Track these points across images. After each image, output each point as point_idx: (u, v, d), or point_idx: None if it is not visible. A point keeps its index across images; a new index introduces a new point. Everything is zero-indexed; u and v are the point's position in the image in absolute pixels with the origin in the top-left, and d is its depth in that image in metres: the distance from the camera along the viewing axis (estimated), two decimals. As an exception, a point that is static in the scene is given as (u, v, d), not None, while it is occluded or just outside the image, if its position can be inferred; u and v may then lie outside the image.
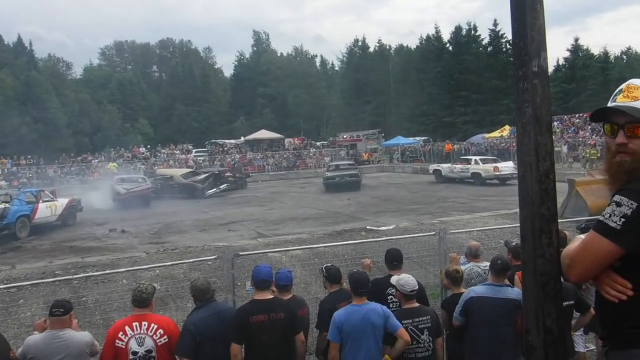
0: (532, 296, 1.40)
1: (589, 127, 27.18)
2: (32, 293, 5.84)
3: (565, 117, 33.42)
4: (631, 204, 1.31)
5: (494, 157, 22.64)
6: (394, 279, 3.52)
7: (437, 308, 4.18)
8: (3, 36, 53.30)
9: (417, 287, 3.43)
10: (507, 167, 19.49)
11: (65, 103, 48.50)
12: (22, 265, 8.60)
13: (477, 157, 21.83)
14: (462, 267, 4.14)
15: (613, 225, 1.32)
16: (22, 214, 12.77)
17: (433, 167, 24.02)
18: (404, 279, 3.43)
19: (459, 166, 21.57)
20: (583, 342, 4.28)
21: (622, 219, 1.31)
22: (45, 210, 13.69)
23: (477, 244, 4.55)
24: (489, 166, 20.08)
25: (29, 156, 32.68)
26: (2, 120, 42.26)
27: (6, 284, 6.22)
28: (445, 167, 22.61)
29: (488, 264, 4.23)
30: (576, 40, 45.90)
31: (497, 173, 19.51)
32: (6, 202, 12.89)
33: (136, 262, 7.75)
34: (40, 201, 13.63)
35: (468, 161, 21.62)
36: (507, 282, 3.51)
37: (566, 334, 3.16)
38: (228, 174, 24.74)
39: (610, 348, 1.39)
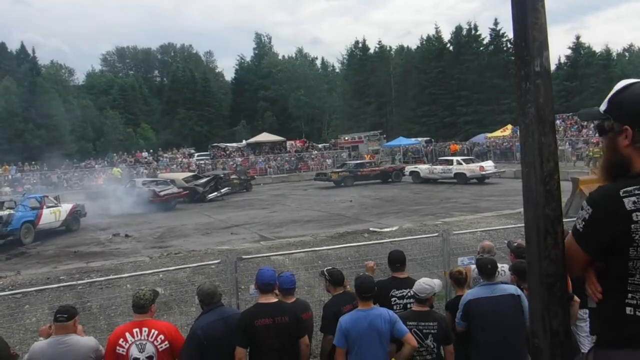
0: (537, 298, 1.39)
1: (592, 125, 27.16)
2: (37, 299, 5.85)
3: (570, 114, 33.30)
4: (588, 209, 1.34)
5: (472, 158, 24.74)
6: (421, 280, 3.52)
7: (442, 309, 4.17)
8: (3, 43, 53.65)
9: (422, 294, 3.38)
10: (490, 166, 21.76)
11: (68, 109, 48.79)
12: (27, 271, 8.63)
13: (459, 158, 23.10)
14: (472, 267, 4.13)
15: (579, 227, 1.37)
16: (26, 219, 12.82)
17: (410, 168, 24.55)
18: (421, 281, 3.44)
19: (439, 167, 22.52)
20: (589, 344, 4.25)
21: (582, 223, 1.35)
22: (50, 216, 13.74)
23: (491, 244, 4.54)
24: (474, 166, 21.58)
25: (32, 162, 32.82)
26: (6, 127, 42.59)
27: (12, 289, 6.24)
28: (423, 169, 23.48)
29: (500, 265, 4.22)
30: (578, 38, 45.94)
31: (484, 172, 21.03)
32: (10, 208, 12.97)
33: (140, 267, 7.77)
34: (44, 207, 13.68)
35: (449, 162, 22.50)
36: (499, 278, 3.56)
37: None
38: (233, 176, 24.88)
39: (595, 346, 1.41)
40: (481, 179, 21.06)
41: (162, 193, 18.61)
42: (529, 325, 1.44)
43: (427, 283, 3.42)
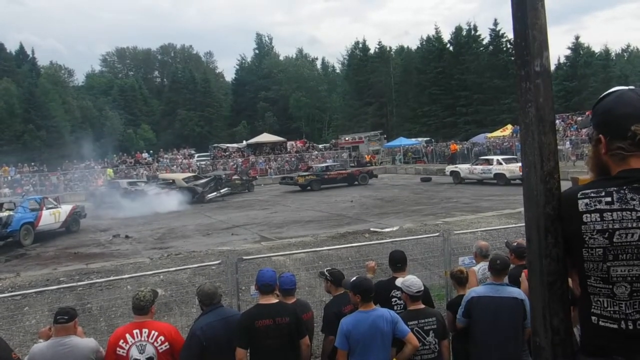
0: (538, 296, 1.39)
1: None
2: (37, 300, 5.85)
3: (568, 115, 33.33)
4: None
5: (515, 157, 21.74)
6: (399, 281, 3.51)
7: (442, 309, 4.17)
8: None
9: (422, 289, 3.42)
10: None
11: (68, 110, 48.84)
12: (26, 273, 8.63)
13: (500, 157, 20.43)
14: (475, 268, 4.12)
15: None
16: (25, 221, 12.81)
17: (450, 168, 22.73)
18: (409, 280, 3.42)
19: (479, 167, 20.52)
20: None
21: None
22: (49, 217, 13.73)
23: (487, 244, 4.54)
24: (514, 166, 18.87)
25: (32, 163, 32.83)
26: (5, 128, 42.62)
27: (11, 291, 6.24)
28: (464, 169, 21.58)
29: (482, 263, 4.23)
30: (577, 38, 46.00)
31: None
32: (10, 209, 12.96)
33: (140, 268, 7.76)
34: (44, 208, 13.67)
35: (489, 161, 20.42)
36: (506, 280, 3.54)
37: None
38: (235, 177, 24.95)
39: (577, 350, 1.42)
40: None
41: (150, 193, 19.04)
42: (530, 325, 1.44)
43: (413, 278, 3.44)
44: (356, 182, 23.79)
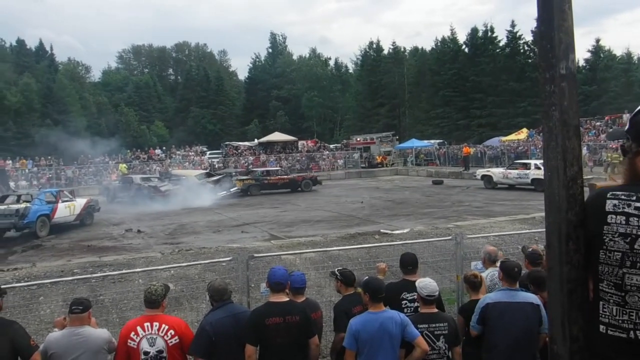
0: (557, 303, 1.36)
1: (610, 130, 26.66)
2: (52, 291, 5.96)
3: (586, 119, 32.72)
4: None
5: None
6: (418, 281, 3.49)
7: (453, 314, 4.13)
8: (13, 38, 54.95)
9: (435, 294, 3.37)
10: None
11: (84, 105, 49.73)
12: (42, 263, 8.80)
13: (538, 162, 19.01)
14: (483, 274, 4.07)
15: None
16: (42, 213, 13.08)
17: (482, 172, 21.56)
18: (424, 282, 3.40)
19: (515, 171, 19.37)
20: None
21: None
22: (64, 210, 13.99)
23: (495, 248, 4.48)
24: None
25: (48, 157, 33.46)
26: (24, 122, 43.56)
27: (27, 281, 6.37)
28: (497, 173, 20.39)
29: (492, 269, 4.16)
30: (597, 41, 44.99)
31: None
32: (27, 201, 13.25)
33: (152, 262, 7.85)
34: (60, 201, 13.94)
35: (526, 166, 19.20)
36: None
37: None
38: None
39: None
40: None
41: (162, 189, 19.08)
42: (548, 332, 1.41)
43: (431, 282, 3.40)
44: (299, 189, 22.64)
